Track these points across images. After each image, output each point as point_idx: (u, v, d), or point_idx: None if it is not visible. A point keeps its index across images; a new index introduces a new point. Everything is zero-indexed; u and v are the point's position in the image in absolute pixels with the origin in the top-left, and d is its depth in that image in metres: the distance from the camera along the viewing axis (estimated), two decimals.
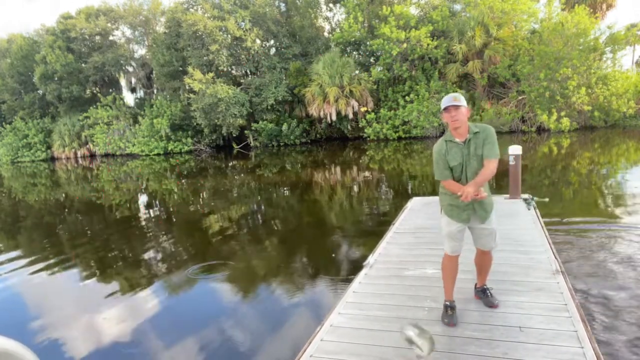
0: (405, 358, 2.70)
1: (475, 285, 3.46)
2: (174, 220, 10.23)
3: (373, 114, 25.26)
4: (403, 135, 24.93)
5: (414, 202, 7.10)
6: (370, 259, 4.50)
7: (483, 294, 3.33)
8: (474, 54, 23.78)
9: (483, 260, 3.31)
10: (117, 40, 34.10)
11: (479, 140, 2.96)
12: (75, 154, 34.49)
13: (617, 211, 7.34)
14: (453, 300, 3.21)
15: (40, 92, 35.35)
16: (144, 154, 30.59)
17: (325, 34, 30.30)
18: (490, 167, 2.92)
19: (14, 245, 8.74)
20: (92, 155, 34.47)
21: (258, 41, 28.62)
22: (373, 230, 7.44)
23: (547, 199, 3.41)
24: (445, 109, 2.91)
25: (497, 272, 3.86)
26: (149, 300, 5.30)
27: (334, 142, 27.80)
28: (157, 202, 12.86)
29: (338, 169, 16.63)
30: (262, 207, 10.79)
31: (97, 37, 33.09)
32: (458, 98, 2.90)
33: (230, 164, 22.22)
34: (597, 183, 10.08)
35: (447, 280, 3.23)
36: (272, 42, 30.06)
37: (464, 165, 2.98)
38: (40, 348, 4.24)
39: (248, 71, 30.07)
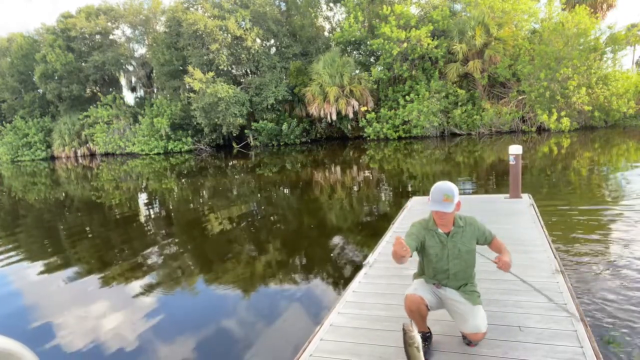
0: (405, 358, 2.69)
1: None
2: (173, 219, 10.23)
3: (373, 113, 25.26)
4: (403, 135, 24.93)
5: (414, 202, 7.10)
6: (370, 258, 4.50)
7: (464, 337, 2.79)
8: (474, 53, 23.77)
9: (473, 340, 2.71)
10: (117, 39, 34.14)
11: (467, 234, 2.68)
12: (75, 153, 34.52)
13: (616, 210, 7.34)
14: (427, 330, 2.79)
15: (41, 91, 35.37)
16: (144, 153, 30.59)
17: (326, 33, 30.31)
18: (500, 242, 2.84)
19: (14, 244, 8.74)
20: (92, 155, 34.48)
21: (258, 40, 28.62)
22: (373, 230, 7.44)
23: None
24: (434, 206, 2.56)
25: (497, 271, 3.85)
26: (147, 299, 5.30)
27: (334, 142, 27.80)
28: (157, 201, 12.86)
29: (338, 168, 16.63)
30: (262, 207, 10.79)
31: (97, 36, 33.11)
32: (450, 197, 2.51)
33: (230, 163, 22.23)
34: (597, 183, 10.07)
35: (414, 319, 2.65)
36: (272, 41, 30.07)
37: (443, 258, 2.67)
38: (38, 347, 4.24)
39: (248, 70, 30.07)
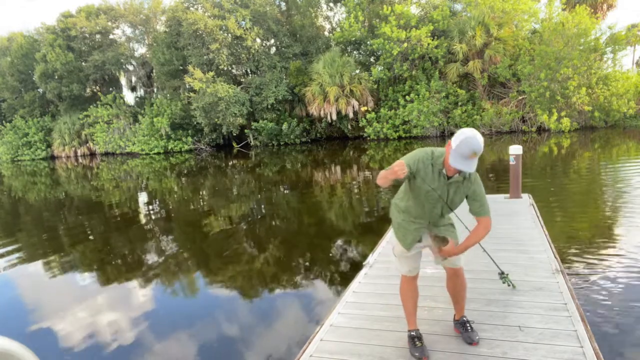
0: (406, 358, 2.70)
1: (454, 316, 2.96)
2: (173, 218, 10.23)
3: (373, 113, 25.26)
4: (403, 135, 24.93)
5: None
6: (370, 258, 4.50)
7: (462, 328, 2.83)
8: (474, 53, 23.77)
9: (455, 285, 2.81)
10: (118, 38, 34.12)
11: (463, 187, 2.49)
12: (76, 152, 34.53)
13: (616, 209, 7.34)
14: (418, 328, 2.81)
15: (41, 90, 35.37)
16: (144, 152, 30.60)
17: (326, 33, 30.31)
18: (486, 228, 2.51)
19: (13, 242, 8.74)
20: (92, 154, 34.49)
21: (258, 40, 28.62)
22: (373, 230, 7.44)
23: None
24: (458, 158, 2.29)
25: (497, 271, 3.86)
26: (146, 297, 5.30)
27: (334, 142, 27.80)
28: (157, 201, 12.85)
29: (338, 168, 16.63)
30: (262, 207, 10.79)
31: (98, 36, 33.10)
32: (478, 154, 2.26)
33: (230, 163, 22.22)
34: (597, 183, 10.07)
35: (408, 307, 2.80)
36: (272, 41, 30.06)
37: (433, 197, 2.51)
38: (37, 346, 4.24)
39: (248, 70, 30.08)
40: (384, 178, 2.37)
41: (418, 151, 2.53)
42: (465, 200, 2.57)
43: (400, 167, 2.26)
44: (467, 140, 2.26)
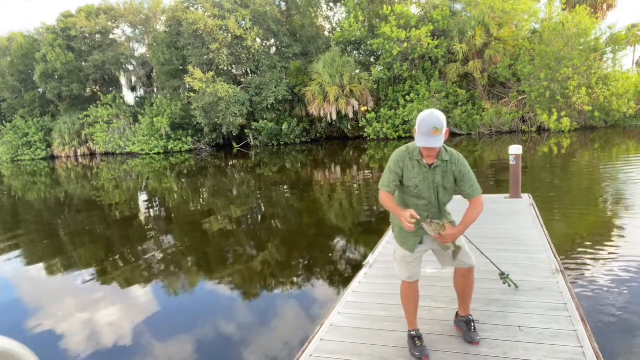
0: (406, 358, 2.70)
1: (457, 314, 2.95)
2: (173, 218, 10.23)
3: (373, 113, 25.27)
4: (403, 135, 24.94)
5: None
6: (370, 258, 4.50)
7: (467, 326, 2.82)
8: (474, 53, 23.78)
9: (466, 281, 2.79)
10: (118, 38, 34.13)
11: (448, 171, 2.53)
12: (76, 152, 34.54)
13: (616, 209, 7.34)
14: (418, 328, 2.82)
15: (41, 90, 35.37)
16: (144, 152, 30.61)
17: (326, 33, 30.31)
18: (479, 206, 2.54)
19: (13, 243, 8.74)
20: (92, 154, 34.49)
21: (258, 40, 28.62)
22: (373, 230, 7.44)
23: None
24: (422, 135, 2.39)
25: (497, 271, 3.86)
26: (146, 298, 5.30)
27: (334, 142, 27.80)
28: (157, 201, 12.85)
29: (338, 168, 16.62)
30: (262, 207, 10.79)
31: (98, 36, 33.10)
32: (440, 129, 2.34)
33: (230, 163, 22.22)
34: (597, 183, 10.07)
35: (409, 309, 2.80)
36: (272, 41, 30.08)
37: (423, 189, 2.57)
38: (37, 345, 4.24)
39: (248, 70, 30.08)
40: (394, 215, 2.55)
41: (394, 154, 2.65)
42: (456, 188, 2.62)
43: (409, 222, 2.36)
44: (425, 119, 2.38)
